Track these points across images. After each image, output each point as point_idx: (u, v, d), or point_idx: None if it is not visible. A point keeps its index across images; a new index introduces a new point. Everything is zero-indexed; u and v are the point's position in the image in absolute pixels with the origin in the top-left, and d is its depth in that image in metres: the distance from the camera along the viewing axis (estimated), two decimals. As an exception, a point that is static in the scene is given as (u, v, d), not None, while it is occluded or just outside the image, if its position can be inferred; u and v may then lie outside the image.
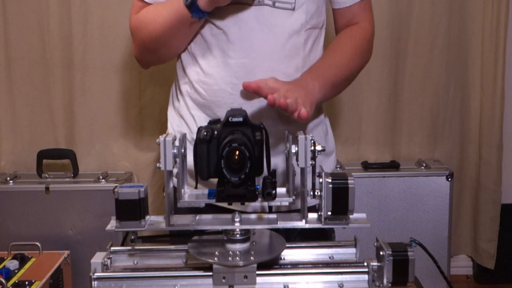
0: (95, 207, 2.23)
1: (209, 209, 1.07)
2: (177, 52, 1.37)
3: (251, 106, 1.26)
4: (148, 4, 1.34)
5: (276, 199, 1.00)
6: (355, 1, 1.38)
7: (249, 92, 1.18)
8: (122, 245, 1.13)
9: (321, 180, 0.97)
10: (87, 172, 2.44)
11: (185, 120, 1.38)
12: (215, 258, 0.98)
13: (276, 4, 1.27)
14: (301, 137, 0.97)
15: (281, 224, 1.01)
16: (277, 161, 1.24)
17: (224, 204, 1.03)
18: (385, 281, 0.96)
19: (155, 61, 1.44)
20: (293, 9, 1.28)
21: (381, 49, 2.44)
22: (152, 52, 1.36)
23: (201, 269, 1.01)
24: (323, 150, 0.99)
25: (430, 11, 2.49)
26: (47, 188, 2.24)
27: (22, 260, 1.65)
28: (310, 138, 0.97)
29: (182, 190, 1.04)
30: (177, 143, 0.98)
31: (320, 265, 1.04)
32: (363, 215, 1.01)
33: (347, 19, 1.41)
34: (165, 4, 1.29)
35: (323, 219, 0.99)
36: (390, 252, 0.96)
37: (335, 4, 1.40)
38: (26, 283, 1.53)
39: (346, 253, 1.10)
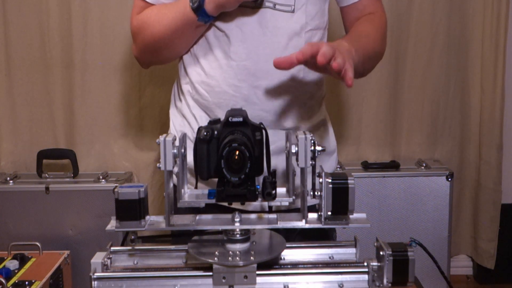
0: (95, 207, 2.23)
1: (209, 209, 1.07)
2: (179, 54, 1.36)
3: (253, 108, 1.26)
4: (151, 4, 1.33)
5: (276, 199, 1.00)
6: None
7: (285, 67, 1.11)
8: (122, 245, 1.13)
9: (321, 180, 0.97)
10: (87, 172, 2.44)
11: (187, 119, 1.38)
12: (215, 258, 0.98)
13: (277, 7, 1.27)
14: (301, 137, 0.97)
15: (281, 224, 1.01)
16: (277, 161, 1.25)
17: (224, 204, 1.04)
18: (385, 281, 0.96)
19: (156, 61, 1.43)
20: (293, 11, 1.28)
21: (381, 49, 2.44)
22: (154, 53, 1.36)
23: (201, 269, 1.01)
24: (323, 150, 0.99)
25: (430, 11, 2.49)
26: (47, 188, 2.24)
27: (22, 260, 1.65)
28: (310, 138, 0.97)
29: (182, 190, 1.04)
30: (177, 143, 0.98)
31: (320, 265, 1.04)
32: (363, 215, 1.01)
33: (357, 13, 1.39)
34: (169, 5, 1.29)
35: (323, 219, 0.99)
36: (390, 252, 0.96)
37: (343, 1, 1.40)
38: (26, 283, 1.53)
39: (346, 253, 1.10)
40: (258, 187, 0.99)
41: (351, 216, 0.99)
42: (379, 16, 1.40)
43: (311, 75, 1.33)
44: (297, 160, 0.98)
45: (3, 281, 1.47)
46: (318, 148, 0.98)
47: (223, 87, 1.29)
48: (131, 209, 0.99)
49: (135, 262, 1.07)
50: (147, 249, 1.08)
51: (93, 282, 0.99)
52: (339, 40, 1.22)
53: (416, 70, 2.54)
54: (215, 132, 1.00)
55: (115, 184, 2.27)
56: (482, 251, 2.64)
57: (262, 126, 1.02)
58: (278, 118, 1.31)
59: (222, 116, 1.04)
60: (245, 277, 0.98)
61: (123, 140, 2.53)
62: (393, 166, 2.41)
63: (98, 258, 1.01)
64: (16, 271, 1.60)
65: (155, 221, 1.03)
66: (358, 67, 1.18)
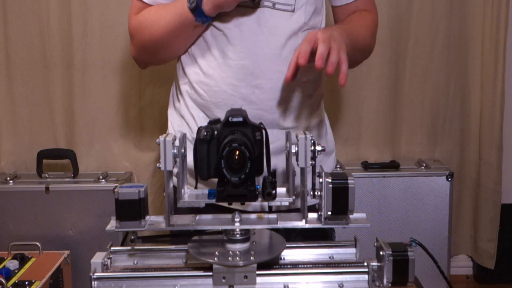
0: (95, 207, 2.23)
1: (209, 209, 1.07)
2: (177, 54, 1.36)
3: (251, 107, 1.26)
4: (149, 5, 1.33)
5: (276, 199, 1.00)
6: None
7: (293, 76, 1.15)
8: (122, 245, 1.13)
9: (321, 180, 0.98)
10: (87, 172, 2.44)
11: (185, 120, 1.38)
12: (215, 258, 0.98)
13: (276, 6, 1.27)
14: (301, 137, 0.97)
15: (281, 224, 1.01)
16: (277, 161, 1.24)
17: (224, 204, 1.04)
18: (385, 281, 0.97)
19: (154, 62, 1.43)
20: (293, 11, 1.28)
21: (381, 49, 2.43)
22: (152, 53, 1.36)
23: (201, 269, 1.01)
24: (323, 150, 0.99)
25: (430, 11, 2.49)
26: (47, 188, 2.24)
27: (22, 260, 1.65)
28: (310, 138, 0.97)
29: (182, 190, 1.04)
30: (177, 143, 0.98)
31: (320, 265, 1.04)
32: (363, 215, 1.01)
33: (349, 13, 1.41)
34: (167, 6, 1.29)
35: (323, 219, 0.99)
36: (390, 252, 0.96)
37: (335, 1, 1.40)
38: (26, 283, 1.53)
39: (346, 253, 1.10)
40: (258, 187, 0.99)
41: (351, 216, 0.99)
42: (371, 15, 1.41)
43: (309, 75, 1.33)
44: (297, 160, 0.98)
45: (3, 281, 1.47)
46: (318, 147, 0.98)
47: (221, 86, 1.29)
48: (131, 209, 0.99)
49: (135, 262, 1.07)
50: (147, 249, 1.08)
51: (93, 282, 0.99)
52: (331, 27, 1.25)
53: (416, 70, 2.53)
54: (215, 132, 1.00)
55: (115, 184, 2.26)
56: (482, 251, 2.64)
57: (262, 126, 1.02)
58: (277, 118, 1.31)
59: (220, 116, 1.04)
60: (245, 277, 0.98)
61: (123, 140, 2.53)
62: (393, 166, 2.41)
63: (98, 258, 1.02)
64: (16, 271, 1.60)
65: (155, 221, 1.03)
66: (350, 55, 1.18)
